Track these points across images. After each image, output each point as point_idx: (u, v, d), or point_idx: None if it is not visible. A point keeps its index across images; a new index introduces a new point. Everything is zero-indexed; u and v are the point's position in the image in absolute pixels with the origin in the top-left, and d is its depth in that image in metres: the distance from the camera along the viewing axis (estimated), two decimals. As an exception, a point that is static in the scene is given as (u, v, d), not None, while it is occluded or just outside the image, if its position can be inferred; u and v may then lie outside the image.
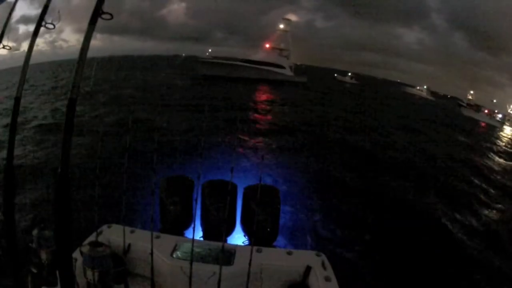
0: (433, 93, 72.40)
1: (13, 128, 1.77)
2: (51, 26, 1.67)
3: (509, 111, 44.39)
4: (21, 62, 1.73)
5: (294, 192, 7.40)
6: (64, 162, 1.23)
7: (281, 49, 43.32)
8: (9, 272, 1.72)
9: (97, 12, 1.21)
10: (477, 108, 46.19)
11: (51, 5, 1.69)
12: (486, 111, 45.09)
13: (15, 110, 1.77)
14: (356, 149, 13.28)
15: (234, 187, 3.19)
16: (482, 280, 5.42)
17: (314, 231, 5.99)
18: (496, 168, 15.55)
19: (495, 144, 24.09)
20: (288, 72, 41.63)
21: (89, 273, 1.47)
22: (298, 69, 48.22)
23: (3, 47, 1.91)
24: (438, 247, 6.15)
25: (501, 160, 17.82)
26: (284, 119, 17.99)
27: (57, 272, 1.50)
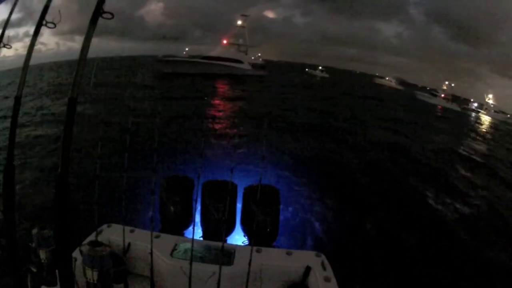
0: (404, 84, 74.79)
1: (13, 128, 1.77)
2: (51, 26, 1.67)
3: (486, 100, 47.32)
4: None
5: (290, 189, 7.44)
6: (64, 161, 1.23)
7: (239, 45, 45.49)
8: (9, 271, 1.72)
9: (98, 12, 1.21)
10: (432, 93, 50.38)
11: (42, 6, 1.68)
12: (442, 95, 48.02)
13: (15, 110, 1.76)
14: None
15: (234, 187, 3.19)
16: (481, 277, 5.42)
17: (314, 232, 5.99)
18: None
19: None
20: (246, 66, 42.94)
21: (88, 272, 1.46)
22: (266, 64, 51.18)
23: (4, 46, 1.90)
24: (438, 246, 6.15)
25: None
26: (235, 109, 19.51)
27: (57, 272, 1.49)
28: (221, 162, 6.70)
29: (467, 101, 51.97)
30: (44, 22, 1.66)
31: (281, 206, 3.36)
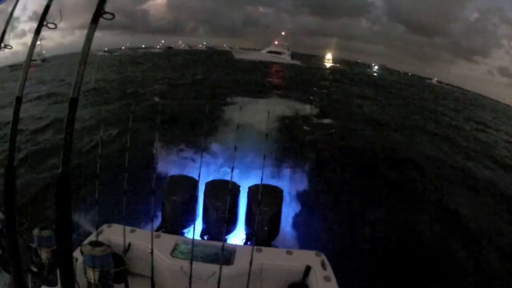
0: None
1: (14, 127, 1.77)
2: (52, 26, 1.67)
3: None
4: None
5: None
6: (64, 161, 1.23)
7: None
8: (10, 271, 1.72)
9: (99, 12, 1.21)
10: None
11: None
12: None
13: (16, 110, 1.76)
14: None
15: (236, 187, 3.20)
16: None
17: (314, 231, 5.99)
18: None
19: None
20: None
21: (89, 272, 1.47)
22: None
23: (5, 47, 1.90)
24: (439, 245, 6.15)
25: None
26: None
27: (58, 272, 1.50)
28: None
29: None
30: (45, 23, 1.66)
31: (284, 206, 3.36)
